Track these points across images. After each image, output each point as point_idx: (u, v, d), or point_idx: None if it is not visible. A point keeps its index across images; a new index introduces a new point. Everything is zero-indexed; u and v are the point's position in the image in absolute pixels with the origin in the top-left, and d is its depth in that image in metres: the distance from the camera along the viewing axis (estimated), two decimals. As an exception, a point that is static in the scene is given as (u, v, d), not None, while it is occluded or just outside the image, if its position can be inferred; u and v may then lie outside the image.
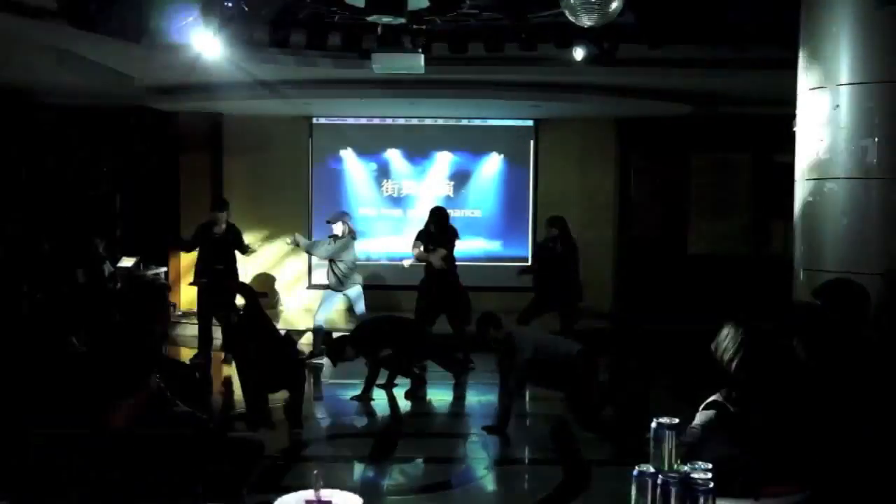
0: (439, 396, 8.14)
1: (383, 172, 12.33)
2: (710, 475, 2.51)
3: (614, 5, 5.42)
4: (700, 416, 3.33)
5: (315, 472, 2.52)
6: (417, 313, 8.82)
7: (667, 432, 2.64)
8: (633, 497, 2.60)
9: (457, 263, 9.02)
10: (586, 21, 5.57)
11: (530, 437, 6.75)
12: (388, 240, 12.11)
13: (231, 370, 7.95)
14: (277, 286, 12.04)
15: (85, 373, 3.34)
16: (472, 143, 12.30)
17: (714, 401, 3.36)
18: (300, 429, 6.47)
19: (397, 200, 12.36)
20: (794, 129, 5.68)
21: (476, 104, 10.91)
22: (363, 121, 12.29)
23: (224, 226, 8.95)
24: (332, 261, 9.03)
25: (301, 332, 9.51)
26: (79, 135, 10.86)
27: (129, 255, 10.25)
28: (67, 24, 6.40)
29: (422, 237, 8.96)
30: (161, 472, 2.68)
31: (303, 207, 12.12)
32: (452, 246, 8.91)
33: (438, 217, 8.94)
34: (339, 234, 9.01)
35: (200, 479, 3.02)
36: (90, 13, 5.88)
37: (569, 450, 6.38)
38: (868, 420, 3.40)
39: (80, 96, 10.19)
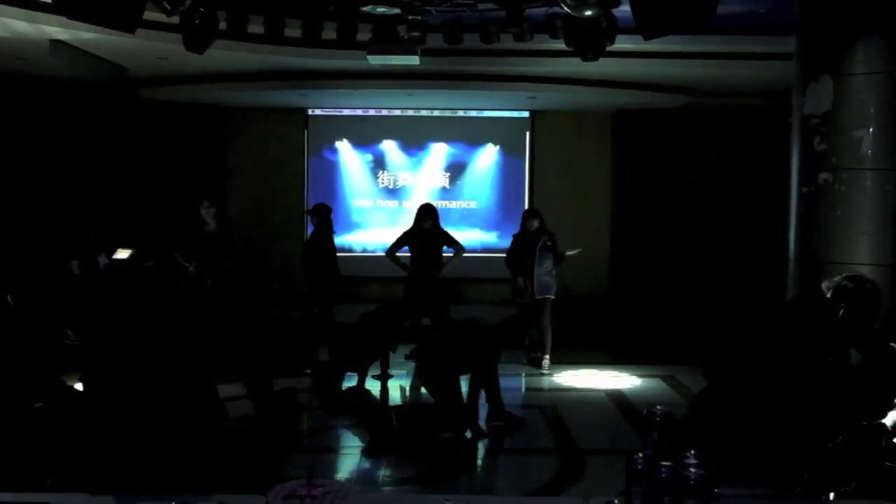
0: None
1: (379, 164, 12.32)
2: (702, 463, 2.52)
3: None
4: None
5: (310, 462, 2.51)
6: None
7: (658, 420, 2.65)
8: (626, 485, 2.61)
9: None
10: (581, 12, 5.57)
11: (525, 428, 6.76)
12: (384, 231, 12.10)
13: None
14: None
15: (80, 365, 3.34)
16: (468, 134, 12.29)
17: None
18: None
19: (393, 192, 12.36)
20: (790, 119, 5.69)
21: (471, 95, 10.89)
22: (359, 112, 12.27)
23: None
24: None
25: None
26: (73, 125, 10.81)
27: (126, 247, 10.21)
28: (61, 13, 6.37)
29: (412, 237, 8.81)
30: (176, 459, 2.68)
31: (298, 199, 12.11)
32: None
33: (433, 214, 8.82)
34: None
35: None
36: (84, 2, 5.84)
37: (564, 439, 6.41)
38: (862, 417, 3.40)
39: (72, 86, 10.16)
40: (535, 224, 8.86)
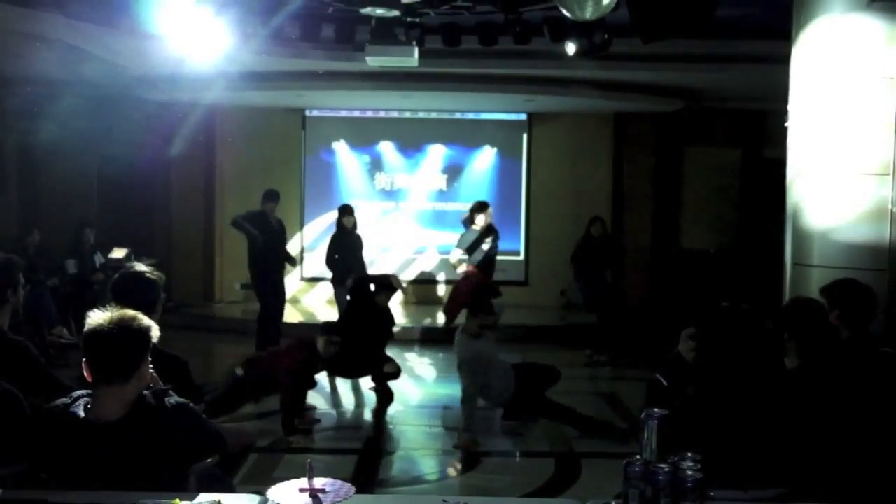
0: (431, 389, 8.16)
1: (376, 165, 12.34)
2: (699, 467, 2.53)
3: (607, 1, 5.43)
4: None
5: (308, 461, 2.52)
6: None
7: (656, 423, 2.65)
8: (623, 488, 2.61)
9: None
10: (579, 15, 5.59)
11: (522, 430, 6.76)
12: (380, 233, 12.12)
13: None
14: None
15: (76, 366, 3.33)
16: (466, 136, 12.31)
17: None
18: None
19: (390, 193, 12.37)
20: (787, 124, 5.71)
21: (469, 97, 10.91)
22: (356, 113, 12.28)
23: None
24: None
25: None
26: (69, 124, 10.79)
27: (120, 246, 10.21)
28: (59, 13, 6.38)
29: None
30: (152, 461, 2.68)
31: (296, 200, 12.11)
32: None
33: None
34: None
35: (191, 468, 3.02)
36: (82, 3, 5.86)
37: (560, 442, 6.41)
38: (861, 421, 3.41)
39: (70, 85, 10.14)
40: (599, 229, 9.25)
